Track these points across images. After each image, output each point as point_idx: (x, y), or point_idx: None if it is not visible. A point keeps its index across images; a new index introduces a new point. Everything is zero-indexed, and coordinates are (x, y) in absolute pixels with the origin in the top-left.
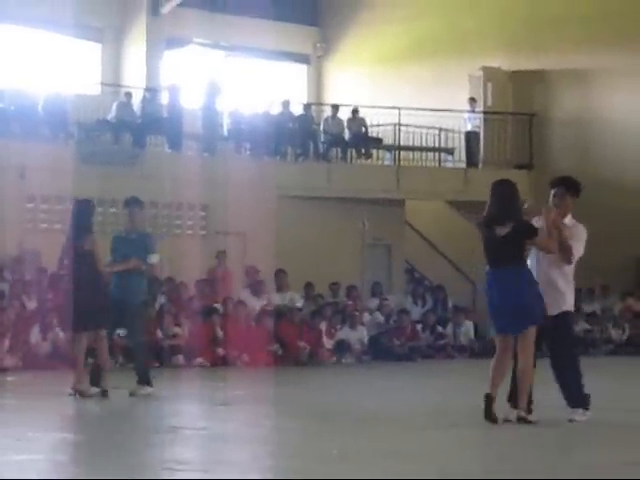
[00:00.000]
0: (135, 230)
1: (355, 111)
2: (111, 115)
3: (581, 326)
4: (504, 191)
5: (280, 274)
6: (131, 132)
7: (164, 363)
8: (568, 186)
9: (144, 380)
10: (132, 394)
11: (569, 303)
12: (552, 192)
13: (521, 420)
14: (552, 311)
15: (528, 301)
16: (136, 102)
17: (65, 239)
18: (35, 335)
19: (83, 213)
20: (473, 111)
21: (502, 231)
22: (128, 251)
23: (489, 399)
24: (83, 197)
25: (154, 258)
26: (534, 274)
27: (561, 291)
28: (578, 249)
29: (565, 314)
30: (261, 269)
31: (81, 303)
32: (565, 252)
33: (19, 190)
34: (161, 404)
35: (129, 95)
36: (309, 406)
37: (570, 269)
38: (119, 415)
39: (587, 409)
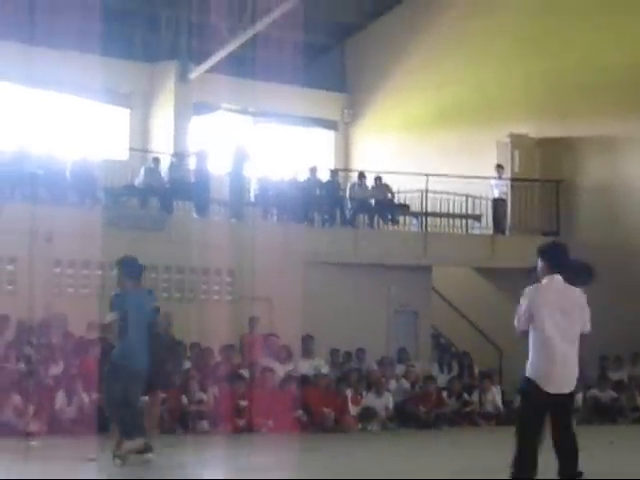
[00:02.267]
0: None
1: (378, 178)
2: (139, 180)
3: (608, 394)
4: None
5: (307, 340)
6: (158, 197)
7: (189, 429)
8: (538, 252)
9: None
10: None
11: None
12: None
13: None
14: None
15: None
16: (164, 167)
17: None
18: (60, 400)
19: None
20: (500, 178)
21: None
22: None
23: None
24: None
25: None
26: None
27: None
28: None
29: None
30: (286, 334)
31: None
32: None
33: (46, 255)
34: (184, 471)
35: (157, 160)
36: (333, 473)
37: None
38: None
39: None
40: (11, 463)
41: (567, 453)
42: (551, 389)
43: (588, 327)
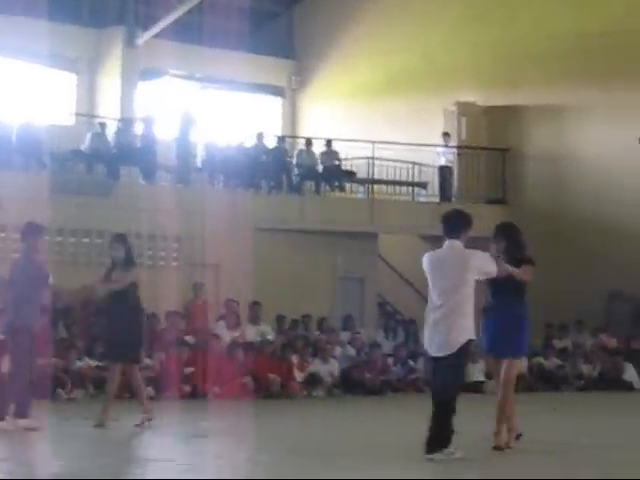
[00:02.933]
0: None
1: (329, 144)
2: (85, 145)
3: (553, 361)
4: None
5: (254, 306)
6: (105, 163)
7: (135, 395)
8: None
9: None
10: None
11: None
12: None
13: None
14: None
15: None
16: (110, 133)
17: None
18: (4, 366)
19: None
20: (447, 145)
21: None
22: None
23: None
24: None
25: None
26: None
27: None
28: None
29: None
30: (238, 302)
31: (119, 334)
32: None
33: None
34: (132, 436)
35: (103, 125)
36: (279, 439)
37: None
38: (89, 446)
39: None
40: None
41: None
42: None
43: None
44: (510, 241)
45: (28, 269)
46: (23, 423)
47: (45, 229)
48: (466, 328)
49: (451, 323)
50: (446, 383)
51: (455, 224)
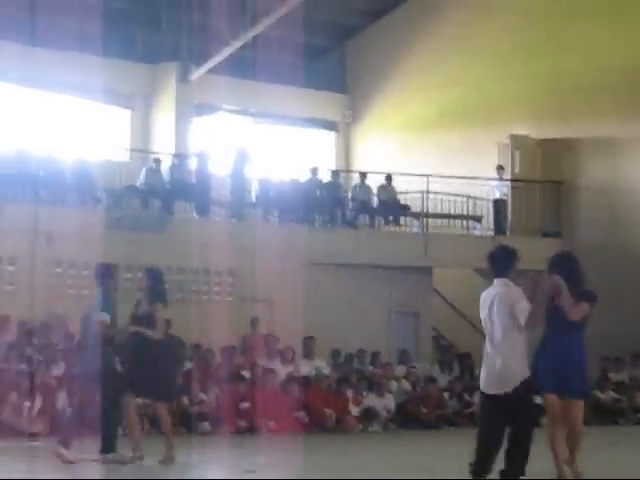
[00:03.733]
0: None
1: (388, 178)
2: (140, 181)
3: (609, 395)
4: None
5: (308, 341)
6: (159, 198)
7: (190, 430)
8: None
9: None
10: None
11: None
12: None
13: None
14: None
15: None
16: (165, 168)
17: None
18: (62, 401)
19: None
20: (501, 179)
21: None
22: None
23: None
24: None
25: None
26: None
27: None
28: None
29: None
30: (288, 335)
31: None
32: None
33: (47, 255)
34: (187, 471)
35: (158, 161)
36: (333, 474)
37: None
38: None
39: None
40: (15, 463)
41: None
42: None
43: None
44: (567, 272)
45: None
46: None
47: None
48: (523, 365)
49: (509, 361)
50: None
51: (500, 261)
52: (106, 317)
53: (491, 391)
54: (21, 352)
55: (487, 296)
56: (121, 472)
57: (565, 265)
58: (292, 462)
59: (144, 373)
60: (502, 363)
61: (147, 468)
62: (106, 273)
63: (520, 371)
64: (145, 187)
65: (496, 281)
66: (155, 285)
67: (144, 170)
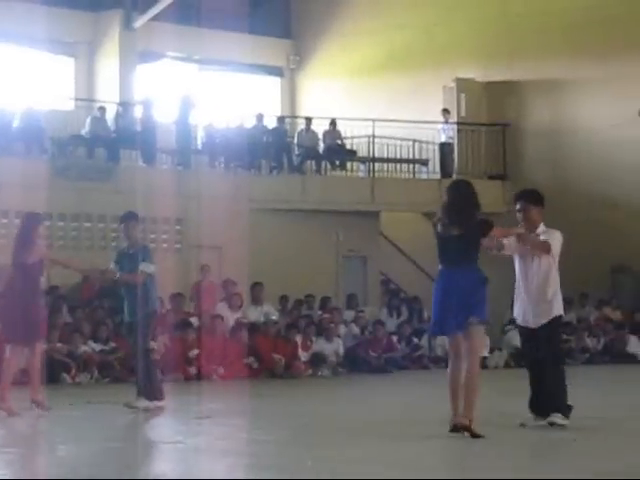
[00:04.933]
0: (133, 244)
1: (333, 123)
2: (85, 130)
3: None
4: (460, 191)
5: (256, 287)
6: (105, 146)
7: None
8: (529, 199)
9: (147, 393)
10: (127, 405)
11: (557, 309)
12: (516, 207)
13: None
14: (541, 320)
15: (475, 299)
16: (110, 116)
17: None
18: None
19: (27, 226)
20: (447, 122)
21: (456, 231)
22: (127, 265)
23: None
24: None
25: (148, 267)
26: (520, 286)
27: (549, 300)
28: (555, 247)
29: (553, 320)
30: (236, 282)
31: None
32: (540, 247)
33: None
34: (137, 418)
35: (103, 110)
36: (284, 419)
37: (555, 278)
38: (97, 429)
39: (567, 417)
40: None
41: None
42: None
43: None
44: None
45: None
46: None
47: (42, 216)
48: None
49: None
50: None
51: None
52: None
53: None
54: None
55: None
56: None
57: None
58: (242, 408)
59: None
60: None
61: (99, 415)
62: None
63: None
64: (90, 136)
65: None
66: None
67: (89, 118)
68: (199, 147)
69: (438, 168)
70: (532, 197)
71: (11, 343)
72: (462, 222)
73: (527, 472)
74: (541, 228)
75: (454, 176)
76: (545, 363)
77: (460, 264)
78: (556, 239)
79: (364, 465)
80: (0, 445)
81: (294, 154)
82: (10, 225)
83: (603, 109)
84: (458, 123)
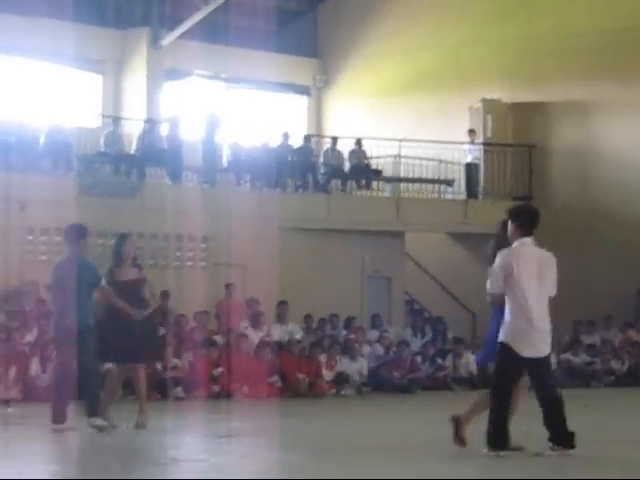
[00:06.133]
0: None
1: (358, 142)
2: (102, 146)
3: (581, 358)
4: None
5: (281, 306)
6: (130, 163)
7: (165, 395)
8: (509, 215)
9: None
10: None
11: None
12: None
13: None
14: (545, 351)
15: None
16: (132, 132)
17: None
18: (34, 367)
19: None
20: (473, 143)
21: None
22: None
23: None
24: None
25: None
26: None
27: (548, 331)
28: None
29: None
30: (261, 301)
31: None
32: None
33: (19, 222)
34: (161, 436)
35: (117, 123)
36: (308, 438)
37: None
38: (118, 447)
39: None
40: None
41: (550, 403)
42: (527, 353)
43: (555, 291)
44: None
45: (82, 271)
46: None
47: (88, 230)
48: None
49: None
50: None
51: (533, 220)
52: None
53: (534, 354)
54: None
55: (527, 252)
56: (95, 439)
57: (523, 215)
58: (266, 427)
59: (121, 337)
60: (547, 325)
61: (122, 434)
62: (77, 233)
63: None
64: (110, 152)
65: (531, 240)
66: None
67: (104, 134)
68: (225, 165)
69: (464, 188)
70: (511, 214)
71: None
72: None
73: None
74: (516, 244)
75: (480, 197)
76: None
77: None
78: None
79: None
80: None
81: (319, 173)
82: (35, 242)
83: (630, 130)
84: (484, 144)
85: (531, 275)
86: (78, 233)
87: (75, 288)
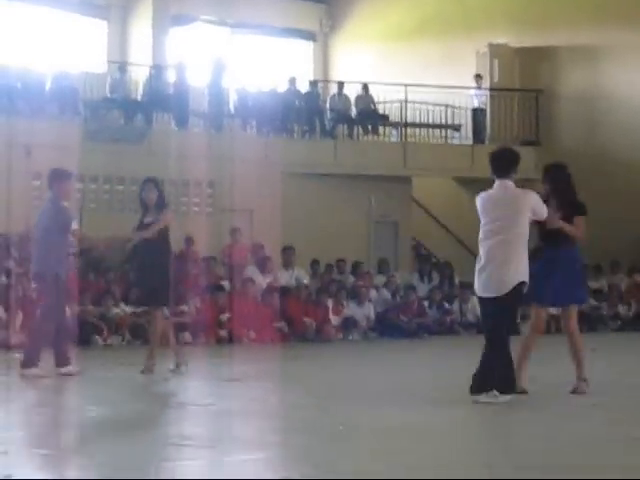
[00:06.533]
0: None
1: (365, 87)
2: (107, 92)
3: (588, 303)
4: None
5: (287, 251)
6: (136, 109)
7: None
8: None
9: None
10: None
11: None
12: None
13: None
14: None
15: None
16: (134, 78)
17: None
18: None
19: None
20: (479, 88)
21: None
22: None
23: None
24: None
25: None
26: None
27: None
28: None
29: None
30: (267, 246)
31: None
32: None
33: (25, 168)
34: (168, 381)
35: (123, 70)
36: (316, 382)
37: None
38: (125, 391)
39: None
40: None
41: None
42: None
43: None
44: (558, 184)
45: (54, 215)
46: (63, 370)
47: (71, 174)
48: (519, 269)
49: (502, 264)
50: (497, 325)
51: (504, 163)
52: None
53: (483, 294)
54: (1, 265)
55: (488, 197)
56: (104, 384)
57: (554, 176)
58: (273, 371)
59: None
60: (498, 266)
61: (130, 379)
62: (57, 177)
63: (522, 274)
64: (117, 98)
65: (498, 182)
66: (162, 194)
67: (110, 80)
68: (231, 111)
69: (470, 134)
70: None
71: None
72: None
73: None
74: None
75: (486, 142)
76: None
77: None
78: None
79: (395, 431)
80: (33, 405)
81: (326, 118)
82: (42, 187)
83: (638, 74)
84: (491, 89)
85: None
86: (55, 177)
87: (44, 234)
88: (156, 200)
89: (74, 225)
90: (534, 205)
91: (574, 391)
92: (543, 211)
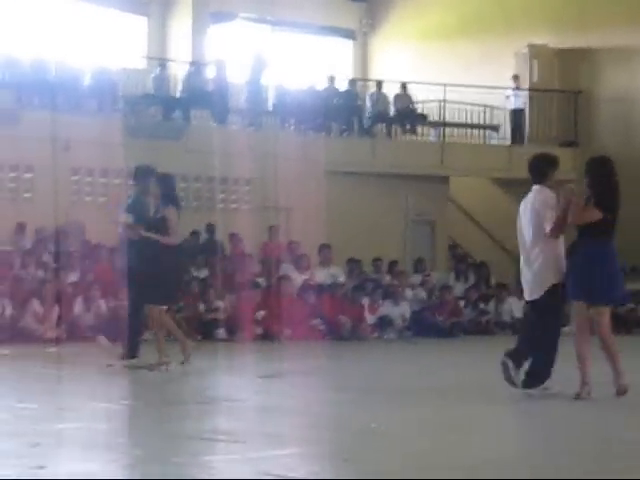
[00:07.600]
0: None
1: (404, 87)
2: (148, 89)
3: (625, 305)
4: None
5: (324, 249)
6: (176, 106)
7: (206, 336)
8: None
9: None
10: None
11: None
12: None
13: None
14: None
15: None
16: (173, 74)
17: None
18: (78, 307)
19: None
20: (517, 88)
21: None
22: None
23: None
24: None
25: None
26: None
27: None
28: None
29: None
30: (305, 244)
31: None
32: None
33: (64, 163)
34: (202, 377)
35: (163, 66)
36: (350, 380)
37: None
38: (160, 386)
39: None
40: (30, 368)
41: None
42: None
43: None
44: (595, 178)
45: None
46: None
47: (154, 171)
48: (549, 272)
49: (535, 269)
50: (536, 326)
51: (536, 169)
52: (130, 218)
53: (526, 297)
54: (38, 259)
55: (524, 204)
56: (144, 377)
57: (592, 169)
58: (309, 368)
59: (147, 277)
60: (532, 270)
61: (163, 375)
62: (145, 174)
63: (550, 277)
64: (156, 94)
65: (533, 188)
66: (167, 190)
67: (151, 77)
68: (270, 108)
69: (509, 134)
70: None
71: None
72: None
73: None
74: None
75: (525, 142)
76: None
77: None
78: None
79: (427, 427)
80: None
81: (364, 117)
82: (80, 182)
83: None
84: (530, 89)
85: None
86: (140, 174)
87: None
88: (161, 195)
89: (124, 217)
90: (537, 207)
91: (617, 393)
92: (545, 212)
